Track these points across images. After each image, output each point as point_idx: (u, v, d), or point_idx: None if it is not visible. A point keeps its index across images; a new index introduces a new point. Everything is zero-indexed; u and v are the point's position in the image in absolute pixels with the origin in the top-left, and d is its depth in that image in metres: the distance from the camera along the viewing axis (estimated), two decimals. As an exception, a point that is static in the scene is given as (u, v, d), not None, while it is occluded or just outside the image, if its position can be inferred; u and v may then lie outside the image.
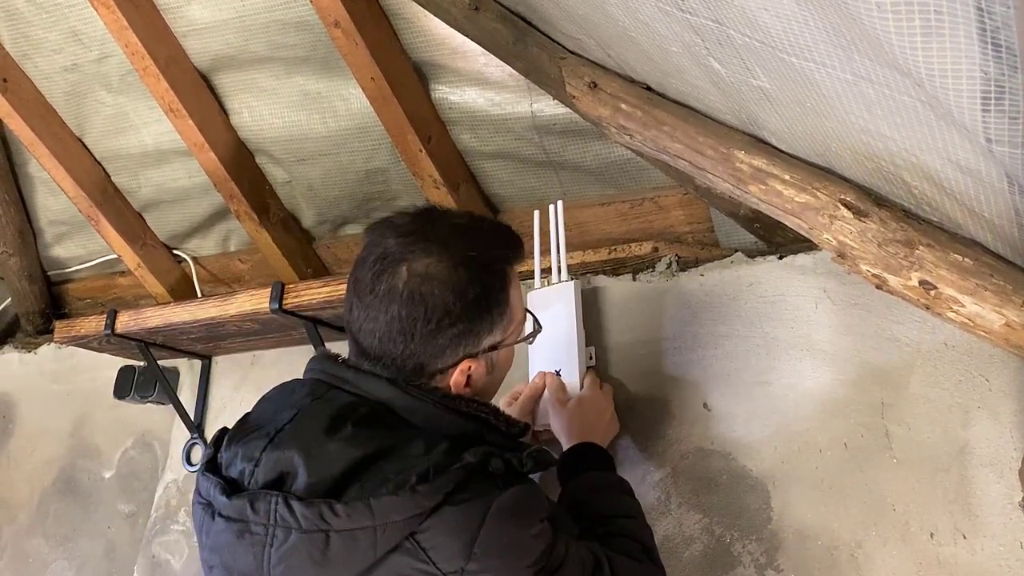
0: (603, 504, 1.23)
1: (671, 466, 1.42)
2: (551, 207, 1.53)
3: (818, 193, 1.14)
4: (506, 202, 1.80)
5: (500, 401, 1.34)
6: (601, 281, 1.60)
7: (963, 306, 1.07)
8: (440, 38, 1.58)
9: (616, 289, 1.58)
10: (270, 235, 1.92)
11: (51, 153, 1.93)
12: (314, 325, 1.67)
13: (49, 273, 2.36)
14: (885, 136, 0.92)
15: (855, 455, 1.31)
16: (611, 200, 1.70)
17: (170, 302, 1.95)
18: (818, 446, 1.33)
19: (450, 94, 1.65)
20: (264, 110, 1.80)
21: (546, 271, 1.53)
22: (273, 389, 1.13)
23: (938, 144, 0.85)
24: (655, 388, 1.48)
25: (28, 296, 2.33)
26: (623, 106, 1.30)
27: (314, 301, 1.59)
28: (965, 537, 1.21)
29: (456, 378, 1.08)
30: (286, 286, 1.62)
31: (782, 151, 1.18)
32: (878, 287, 1.13)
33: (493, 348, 1.10)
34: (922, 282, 1.08)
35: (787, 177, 1.16)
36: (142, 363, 1.96)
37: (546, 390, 1.40)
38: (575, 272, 1.57)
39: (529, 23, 1.38)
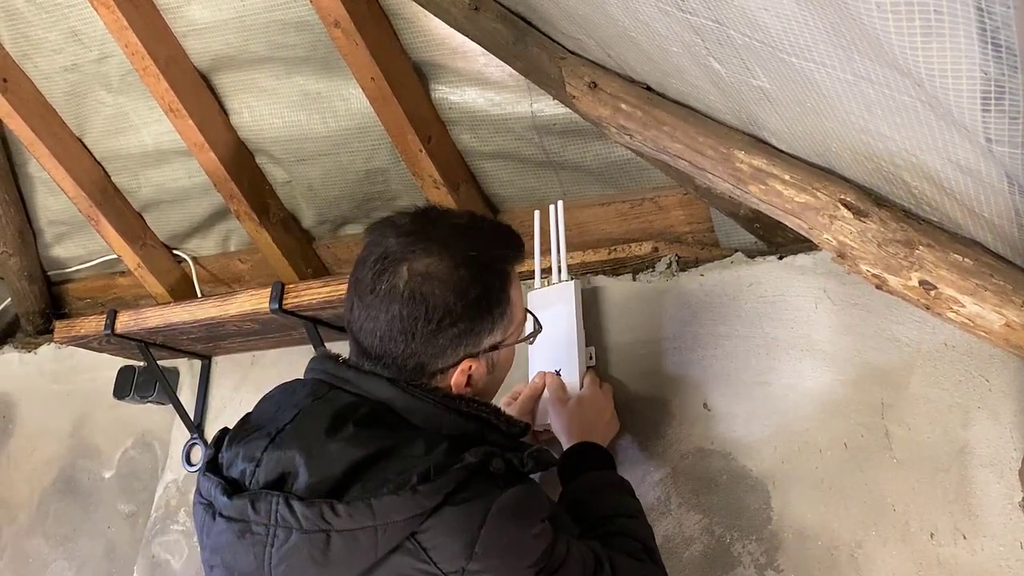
0: (604, 503, 1.23)
1: (671, 466, 1.42)
2: (551, 207, 1.53)
3: (818, 193, 1.14)
4: (506, 202, 1.80)
5: (500, 401, 1.34)
6: (601, 281, 1.60)
7: (963, 306, 1.07)
8: (440, 38, 1.58)
9: (616, 289, 1.58)
10: (270, 235, 1.92)
11: (51, 153, 1.93)
12: (314, 325, 1.67)
13: (49, 273, 2.36)
14: (885, 136, 0.92)
15: (855, 455, 1.31)
16: (611, 200, 1.70)
17: (170, 302, 1.95)
18: (818, 446, 1.33)
19: (450, 94, 1.65)
20: (264, 110, 1.80)
21: (546, 271, 1.53)
22: (274, 389, 1.13)
23: (938, 144, 0.85)
24: (655, 388, 1.48)
25: (28, 296, 2.33)
26: (623, 106, 1.30)
27: (314, 301, 1.59)
28: (965, 537, 1.21)
29: (457, 378, 1.08)
30: (286, 286, 1.62)
31: (782, 151, 1.18)
32: (878, 287, 1.14)
33: (494, 348, 1.10)
34: (922, 282, 1.08)
35: (787, 177, 1.16)
36: (142, 363, 1.96)
37: (546, 389, 1.40)
38: (575, 272, 1.58)
39: (529, 23, 1.38)
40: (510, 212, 1.80)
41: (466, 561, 0.93)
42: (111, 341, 1.84)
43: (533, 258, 1.52)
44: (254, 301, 1.65)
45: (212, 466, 1.07)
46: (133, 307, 1.88)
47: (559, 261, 1.51)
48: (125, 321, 1.78)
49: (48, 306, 2.38)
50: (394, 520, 0.93)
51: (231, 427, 1.09)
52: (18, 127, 1.91)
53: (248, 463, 1.01)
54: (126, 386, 1.96)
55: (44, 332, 2.36)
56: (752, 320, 1.44)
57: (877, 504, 1.27)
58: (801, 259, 1.45)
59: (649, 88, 1.30)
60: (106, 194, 2.03)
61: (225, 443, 1.07)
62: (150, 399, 1.98)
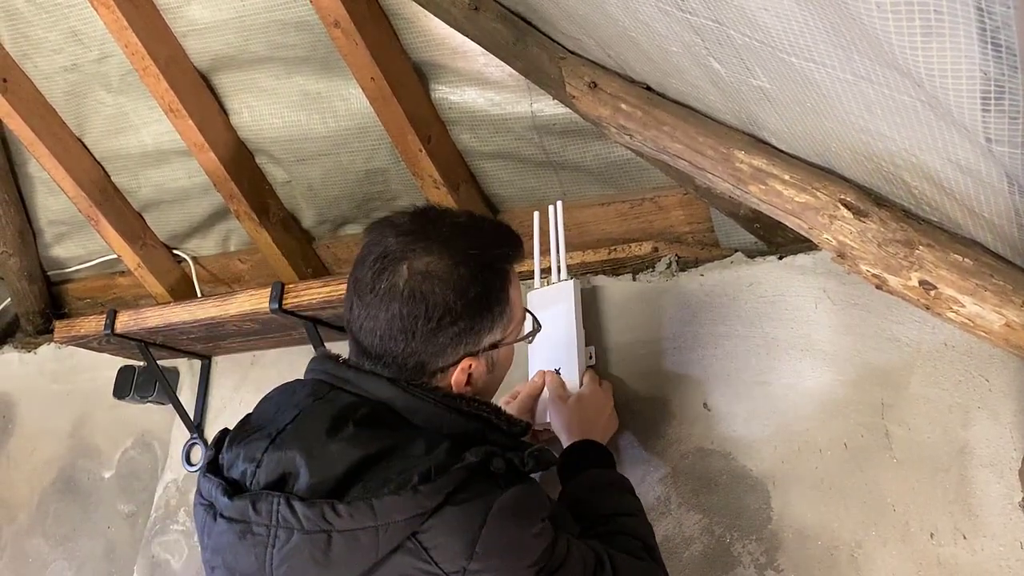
0: (604, 502, 1.23)
1: (671, 466, 1.42)
2: (551, 207, 1.53)
3: (818, 193, 1.14)
4: (506, 202, 1.80)
5: (499, 400, 1.34)
6: (601, 281, 1.60)
7: (963, 306, 1.07)
8: (440, 38, 1.58)
9: (616, 289, 1.58)
10: (270, 235, 1.92)
11: (51, 153, 1.93)
12: (314, 325, 1.67)
13: (49, 273, 2.36)
14: (885, 136, 0.92)
15: (855, 455, 1.31)
16: (611, 200, 1.70)
17: (170, 302, 1.94)
18: (818, 446, 1.33)
19: (450, 94, 1.65)
20: (264, 110, 1.80)
21: (546, 271, 1.53)
22: (274, 390, 1.13)
23: (938, 144, 0.85)
24: (655, 388, 1.48)
25: (28, 296, 2.33)
26: (623, 106, 1.30)
27: (314, 301, 1.59)
28: (965, 537, 1.21)
29: (457, 377, 1.08)
30: (286, 286, 1.62)
31: (782, 151, 1.18)
32: (878, 287, 1.14)
33: (493, 346, 1.10)
34: (922, 282, 1.08)
35: (787, 177, 1.16)
36: (142, 363, 1.96)
37: (546, 387, 1.40)
38: (575, 272, 1.58)
39: (529, 23, 1.38)
40: (510, 212, 1.80)
41: (467, 561, 0.93)
42: (111, 341, 1.84)
43: (533, 258, 1.52)
44: (254, 301, 1.65)
45: (213, 467, 1.06)
46: (133, 307, 1.88)
47: (559, 261, 1.51)
48: (125, 321, 1.78)
49: (48, 306, 2.38)
50: (395, 520, 0.93)
51: (231, 428, 1.09)
52: (18, 127, 1.91)
53: (249, 464, 1.01)
54: (126, 386, 1.96)
55: (44, 332, 2.36)
56: (752, 320, 1.44)
57: (877, 504, 1.27)
58: (801, 259, 1.45)
59: (649, 88, 1.30)
60: (106, 194, 2.03)
61: (225, 444, 1.07)
62: (150, 399, 1.98)
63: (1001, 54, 0.64)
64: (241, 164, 1.86)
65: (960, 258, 1.06)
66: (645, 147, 1.32)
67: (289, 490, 0.97)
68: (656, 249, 1.64)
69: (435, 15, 1.47)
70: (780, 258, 1.47)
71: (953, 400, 1.27)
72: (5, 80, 1.86)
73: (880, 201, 1.11)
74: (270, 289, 1.62)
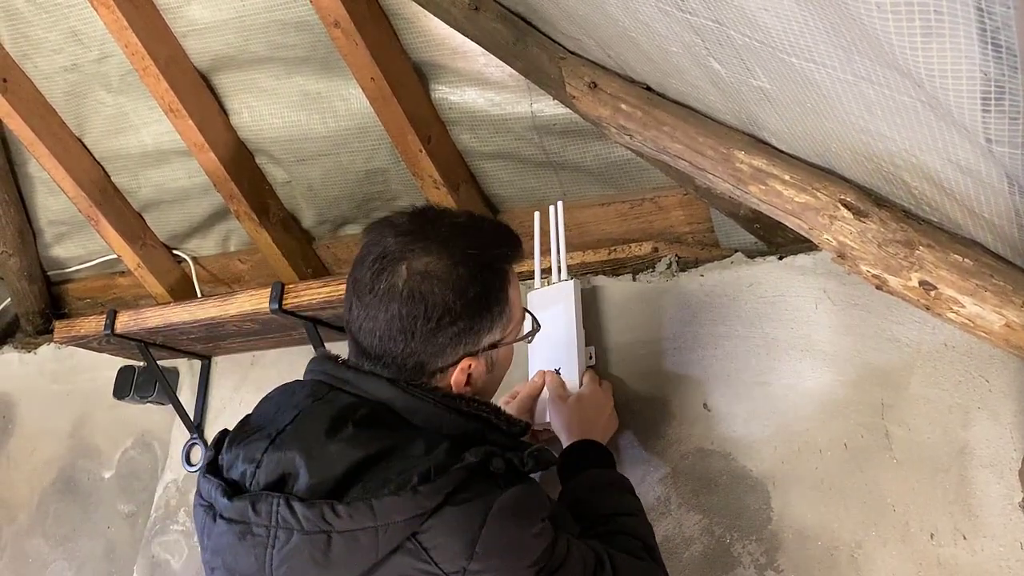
0: (604, 502, 1.23)
1: (671, 466, 1.42)
2: (551, 207, 1.53)
3: (818, 193, 1.14)
4: (506, 202, 1.80)
5: (499, 400, 1.34)
6: (601, 281, 1.60)
7: (963, 307, 1.07)
8: (440, 38, 1.58)
9: (616, 289, 1.58)
10: (270, 235, 1.92)
11: (51, 153, 1.93)
12: (314, 325, 1.67)
13: (49, 273, 2.36)
14: (885, 136, 0.92)
15: (855, 455, 1.31)
16: (611, 200, 1.70)
17: (170, 302, 1.94)
18: (818, 446, 1.33)
19: (450, 94, 1.65)
20: (264, 110, 1.80)
21: (546, 271, 1.53)
22: (274, 390, 1.13)
23: (938, 144, 0.85)
24: (655, 388, 1.48)
25: (28, 296, 2.33)
26: (623, 106, 1.30)
27: (314, 301, 1.59)
28: (965, 538, 1.21)
29: (456, 377, 1.08)
30: (286, 286, 1.62)
31: (782, 151, 1.18)
32: (878, 287, 1.13)
33: (493, 346, 1.10)
34: (922, 282, 1.08)
35: (787, 177, 1.16)
36: (142, 363, 1.96)
37: (545, 387, 1.40)
38: (575, 272, 1.58)
39: (529, 23, 1.38)
40: (510, 212, 1.80)
41: (467, 561, 0.93)
42: (111, 341, 1.84)
43: (533, 258, 1.52)
44: (254, 301, 1.65)
45: (212, 468, 1.06)
46: (133, 307, 1.88)
47: (559, 261, 1.51)
48: (125, 321, 1.78)
49: (48, 306, 2.38)
50: (395, 520, 0.93)
51: (231, 428, 1.09)
52: (18, 127, 1.91)
53: (248, 464, 1.01)
54: (126, 386, 1.96)
55: (44, 332, 2.36)
56: (752, 320, 1.44)
57: (877, 504, 1.27)
58: (801, 259, 1.45)
59: (649, 88, 1.30)
60: (106, 194, 2.03)
61: (225, 445, 1.07)
62: (150, 399, 1.98)
63: (1001, 54, 0.64)
64: (241, 164, 1.86)
65: (960, 258, 1.06)
66: (645, 147, 1.32)
67: (289, 491, 0.97)
68: (656, 249, 1.64)
69: (435, 15, 1.47)
70: (780, 258, 1.47)
71: (953, 400, 1.27)
72: (5, 80, 1.86)
73: (880, 201, 1.11)
74: (270, 289, 1.62)
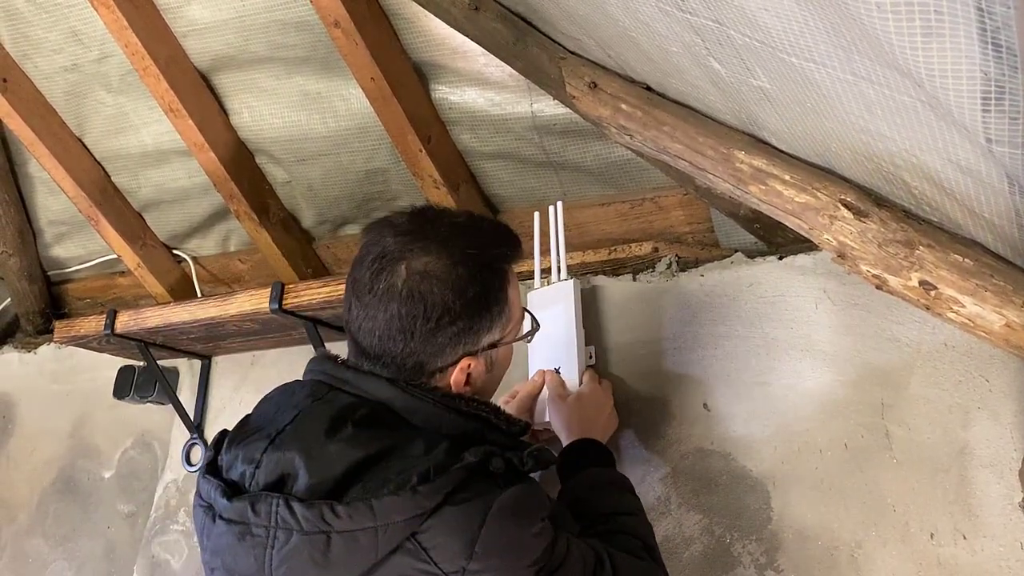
0: (604, 501, 1.23)
1: (671, 466, 1.42)
2: (550, 208, 1.53)
3: (818, 193, 1.14)
4: (506, 202, 1.80)
5: (498, 400, 1.34)
6: (601, 281, 1.60)
7: (963, 306, 1.07)
8: (440, 38, 1.58)
9: (616, 289, 1.58)
10: (270, 235, 1.92)
11: (51, 153, 1.93)
12: (314, 325, 1.67)
13: (49, 273, 2.36)
14: (885, 136, 0.92)
15: (855, 455, 1.31)
16: (611, 200, 1.70)
17: (170, 302, 1.94)
18: (818, 446, 1.33)
19: (450, 94, 1.65)
20: (264, 110, 1.80)
21: (546, 271, 1.53)
22: (273, 391, 1.12)
23: (938, 144, 0.85)
24: (655, 388, 1.48)
25: (28, 296, 2.33)
26: (623, 106, 1.30)
27: (314, 301, 1.59)
28: (965, 538, 1.21)
29: (456, 376, 1.08)
30: (286, 286, 1.62)
31: (782, 151, 1.18)
32: (878, 287, 1.13)
33: (492, 346, 1.10)
34: (922, 282, 1.08)
35: (787, 177, 1.16)
36: (142, 363, 1.96)
37: (545, 386, 1.40)
38: (575, 272, 1.58)
39: (529, 23, 1.38)
40: (510, 212, 1.80)
41: (466, 561, 0.93)
42: (111, 341, 1.84)
43: (533, 258, 1.52)
44: (254, 301, 1.65)
45: (212, 468, 1.06)
46: (133, 307, 1.88)
47: (558, 261, 1.51)
48: (125, 321, 1.78)
49: (48, 306, 2.38)
50: (394, 520, 0.93)
51: (230, 429, 1.09)
52: (18, 127, 1.91)
53: (248, 465, 1.01)
54: (126, 386, 1.96)
55: (44, 332, 2.36)
56: (752, 320, 1.44)
57: (877, 504, 1.27)
58: (801, 259, 1.45)
59: (649, 88, 1.30)
60: (106, 194, 2.03)
61: (224, 445, 1.07)
62: (150, 399, 1.98)
63: (1001, 54, 0.64)
64: (241, 164, 1.86)
65: (960, 258, 1.06)
66: (645, 147, 1.32)
67: (288, 491, 0.97)
68: (656, 249, 1.64)
69: (435, 15, 1.47)
70: (780, 258, 1.47)
71: (953, 400, 1.27)
72: (5, 80, 1.86)
73: (880, 201, 1.11)
74: (270, 289, 1.62)
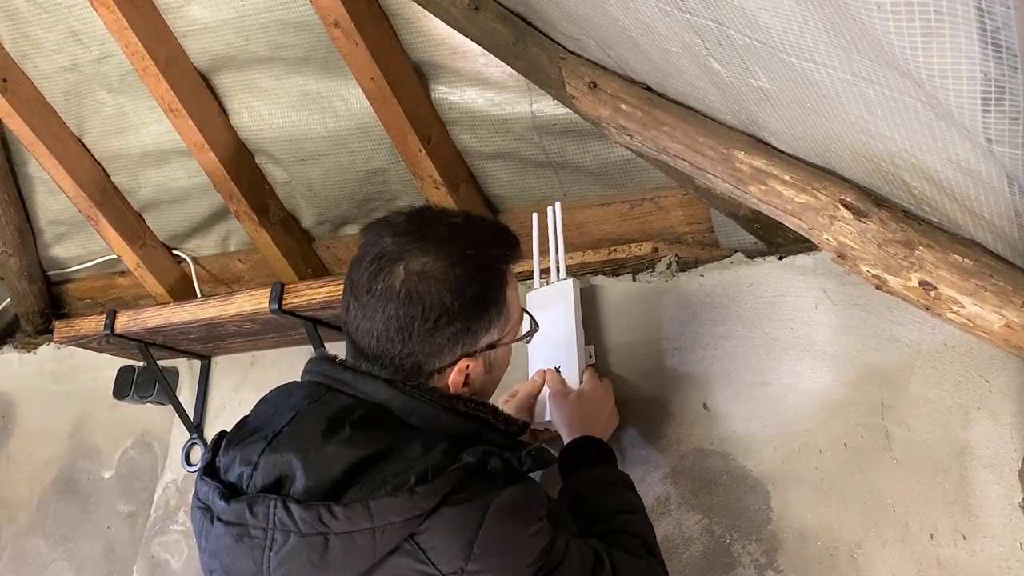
0: (604, 500, 1.22)
1: (671, 466, 1.42)
2: (550, 208, 1.53)
3: (818, 193, 1.14)
4: (506, 202, 1.80)
5: (497, 400, 1.34)
6: (601, 281, 1.60)
7: (963, 307, 1.07)
8: (440, 38, 1.58)
9: (616, 289, 1.58)
10: (270, 235, 1.92)
11: (51, 153, 1.93)
12: (314, 325, 1.67)
13: (49, 273, 2.36)
14: (885, 136, 0.92)
15: (855, 455, 1.31)
16: (611, 200, 1.70)
17: (170, 302, 1.94)
18: (818, 446, 1.33)
19: (450, 94, 1.65)
20: (264, 110, 1.80)
21: (545, 272, 1.53)
22: (271, 392, 1.12)
23: (938, 144, 0.85)
24: (655, 388, 1.48)
25: (28, 296, 2.33)
26: (623, 106, 1.30)
27: (314, 301, 1.59)
28: (965, 538, 1.21)
29: (454, 377, 1.08)
30: (286, 286, 1.62)
31: (782, 151, 1.18)
32: (878, 288, 1.13)
33: (491, 347, 1.10)
34: (922, 283, 1.08)
35: (787, 177, 1.16)
36: (142, 363, 1.96)
37: (546, 384, 1.40)
38: (575, 272, 1.57)
39: (529, 23, 1.38)
40: (510, 212, 1.80)
41: (465, 561, 0.93)
42: (111, 341, 1.84)
43: (531, 258, 1.52)
44: (254, 301, 1.65)
45: (209, 470, 1.06)
46: (133, 307, 1.88)
47: (558, 261, 1.51)
48: (125, 321, 1.78)
49: (48, 306, 2.38)
50: (392, 522, 0.93)
51: (228, 430, 1.09)
52: (18, 127, 1.91)
53: (245, 467, 1.01)
54: (126, 386, 1.96)
55: (44, 332, 2.36)
56: (752, 320, 1.44)
57: (877, 504, 1.27)
58: (801, 259, 1.44)
59: (649, 88, 1.30)
60: (106, 194, 2.03)
61: (222, 447, 1.07)
62: (150, 399, 1.98)
63: (1001, 54, 0.64)
64: (241, 164, 1.86)
65: (960, 259, 1.06)
66: (645, 147, 1.32)
67: (286, 493, 0.97)
68: (656, 249, 1.64)
69: (435, 15, 1.46)
70: (780, 258, 1.47)
71: (953, 401, 1.27)
72: (5, 80, 1.86)
73: (880, 201, 1.11)
74: (270, 289, 1.62)
